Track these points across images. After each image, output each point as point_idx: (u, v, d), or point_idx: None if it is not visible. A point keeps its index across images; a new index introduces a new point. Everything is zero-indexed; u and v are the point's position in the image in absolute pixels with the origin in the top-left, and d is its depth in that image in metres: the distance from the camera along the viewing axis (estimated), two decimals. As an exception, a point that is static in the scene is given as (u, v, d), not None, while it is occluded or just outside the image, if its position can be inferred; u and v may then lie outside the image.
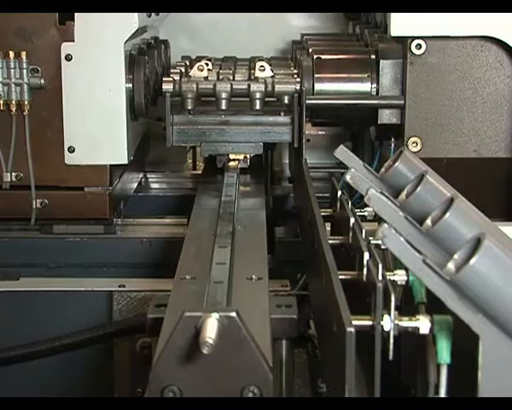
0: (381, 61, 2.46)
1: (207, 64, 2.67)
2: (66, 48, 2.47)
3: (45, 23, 2.48)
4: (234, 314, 1.25)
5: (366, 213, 1.87)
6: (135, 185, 3.10)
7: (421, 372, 1.39)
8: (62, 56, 2.47)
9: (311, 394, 1.84)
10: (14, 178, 2.55)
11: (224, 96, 2.52)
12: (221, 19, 3.45)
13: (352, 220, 1.68)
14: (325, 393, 1.64)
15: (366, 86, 2.50)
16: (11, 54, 2.46)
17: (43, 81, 2.50)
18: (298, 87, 2.52)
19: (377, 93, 2.48)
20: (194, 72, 2.57)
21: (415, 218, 1.46)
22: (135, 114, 2.69)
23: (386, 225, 1.27)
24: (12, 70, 2.47)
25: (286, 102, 2.55)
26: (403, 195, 1.60)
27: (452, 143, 2.42)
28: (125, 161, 2.57)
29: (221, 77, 2.60)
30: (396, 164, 1.71)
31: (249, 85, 2.53)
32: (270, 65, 2.67)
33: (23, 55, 2.46)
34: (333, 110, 2.55)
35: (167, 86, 2.53)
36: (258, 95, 2.53)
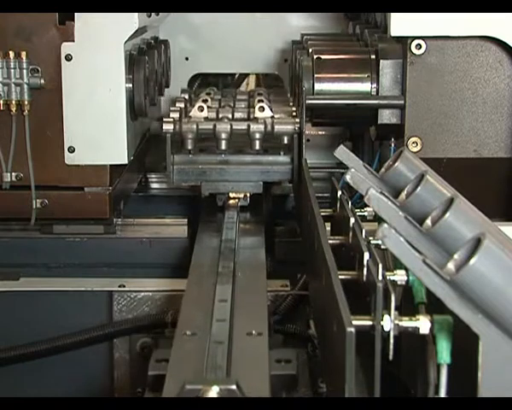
0: (381, 61, 2.46)
1: (206, 101, 2.69)
2: (66, 48, 2.47)
3: (45, 23, 2.48)
4: (234, 387, 1.26)
5: (366, 213, 1.87)
6: (135, 185, 3.10)
7: (421, 372, 1.39)
8: (62, 56, 2.47)
9: (311, 394, 1.84)
10: (14, 178, 2.55)
11: (223, 136, 2.54)
12: (221, 19, 3.45)
13: (352, 220, 1.68)
14: (325, 393, 1.64)
15: (366, 86, 2.50)
16: (11, 54, 2.46)
17: (43, 81, 2.50)
18: (297, 127, 2.53)
19: (377, 93, 2.48)
20: (194, 112, 2.58)
21: (415, 218, 1.46)
22: (135, 114, 2.69)
23: (386, 225, 1.27)
24: (12, 70, 2.47)
25: (285, 142, 2.56)
26: (403, 195, 1.60)
27: (452, 143, 2.42)
28: (125, 161, 2.57)
29: (221, 115, 2.61)
30: (396, 164, 1.71)
31: (249, 126, 2.55)
32: (269, 98, 2.74)
33: (23, 55, 2.46)
34: (333, 110, 2.55)
35: (168, 127, 2.54)
36: (257, 135, 2.55)
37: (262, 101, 2.65)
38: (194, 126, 2.53)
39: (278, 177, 2.61)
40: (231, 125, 2.54)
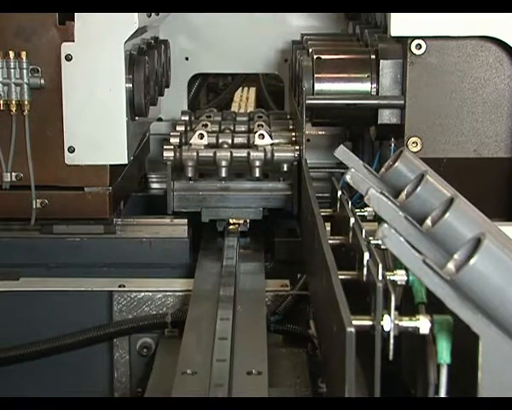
0: (381, 61, 2.46)
1: (206, 125, 2.76)
2: (66, 48, 2.47)
3: (45, 23, 2.48)
4: None
5: (366, 213, 1.87)
6: (135, 185, 3.10)
7: (421, 372, 1.39)
8: (62, 56, 2.47)
9: (311, 394, 1.84)
10: (14, 178, 2.55)
11: (223, 164, 2.60)
12: (221, 19, 3.45)
13: (352, 220, 1.68)
14: (325, 393, 1.64)
15: (366, 86, 2.50)
16: (11, 54, 2.46)
17: (43, 81, 2.50)
18: (296, 154, 2.59)
19: (377, 93, 2.48)
20: (194, 140, 2.63)
21: (415, 218, 1.46)
22: (135, 114, 2.69)
23: (386, 225, 1.27)
24: (12, 70, 2.47)
25: (285, 169, 2.63)
26: (403, 195, 1.60)
27: (452, 143, 2.42)
28: (125, 161, 2.57)
29: (221, 141, 2.69)
30: (396, 164, 1.71)
31: (249, 154, 2.61)
32: (269, 121, 2.79)
33: (23, 55, 2.46)
34: (333, 110, 2.55)
35: (168, 154, 2.61)
36: (257, 163, 2.61)
37: (262, 126, 2.72)
38: (195, 154, 2.60)
39: (278, 204, 2.67)
40: (231, 153, 2.60)
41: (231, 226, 2.66)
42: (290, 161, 2.61)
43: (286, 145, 2.68)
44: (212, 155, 2.61)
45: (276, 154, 2.61)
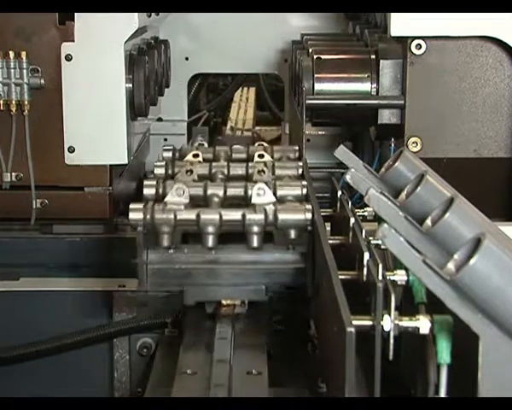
0: (381, 61, 2.46)
1: (191, 172, 2.03)
2: (66, 48, 2.47)
3: (45, 23, 2.48)
4: None
5: (366, 213, 1.87)
6: (135, 185, 3.10)
7: (421, 372, 1.39)
8: (62, 56, 2.47)
9: (311, 394, 1.84)
10: (14, 178, 2.55)
11: (210, 230, 1.86)
12: (221, 19, 3.45)
13: (352, 220, 1.68)
14: (325, 393, 1.64)
15: (366, 86, 2.50)
16: (11, 54, 2.46)
17: (43, 81, 2.50)
18: (308, 216, 1.85)
19: (377, 93, 2.48)
20: (171, 197, 1.90)
21: (415, 218, 1.46)
22: (135, 114, 2.69)
23: (386, 225, 1.27)
24: (12, 70, 2.47)
25: (292, 236, 1.89)
26: (403, 195, 1.60)
27: (452, 143, 2.42)
28: (125, 161, 2.58)
29: (209, 192, 1.95)
30: (396, 164, 1.71)
31: (244, 216, 1.87)
32: (273, 163, 2.12)
33: (23, 55, 2.46)
34: (333, 110, 2.55)
35: (135, 216, 1.87)
36: (255, 229, 1.87)
37: (263, 172, 2.03)
38: (172, 217, 1.87)
39: (286, 280, 1.95)
40: (221, 216, 1.86)
41: (224, 308, 1.97)
42: (300, 226, 1.88)
43: (294, 204, 1.91)
44: (194, 217, 1.87)
45: (280, 216, 1.87)
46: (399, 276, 1.50)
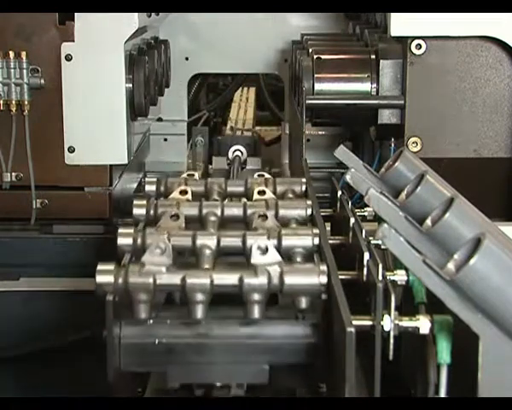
0: (381, 61, 2.46)
1: (177, 218, 1.66)
2: (66, 48, 2.47)
3: (45, 23, 2.48)
4: None
5: (366, 213, 1.87)
6: (135, 185, 3.10)
7: (421, 372, 1.39)
8: (62, 56, 2.47)
9: (311, 394, 1.83)
10: (14, 178, 2.55)
11: (198, 298, 1.47)
12: (221, 19, 3.45)
13: (352, 220, 1.68)
14: (325, 393, 1.64)
15: (366, 86, 2.50)
16: (11, 54, 2.46)
17: (43, 81, 2.50)
18: (323, 279, 1.47)
19: (377, 93, 2.48)
20: (149, 255, 1.50)
21: (415, 218, 1.46)
22: (135, 114, 2.69)
23: (386, 225, 1.27)
24: (12, 70, 2.47)
25: (303, 306, 1.50)
26: (403, 195, 1.60)
27: (452, 143, 2.42)
28: (125, 161, 2.58)
29: (199, 243, 1.58)
30: (396, 164, 1.71)
31: (241, 280, 1.47)
32: (277, 201, 1.78)
33: (23, 55, 2.46)
34: (333, 110, 2.55)
35: (103, 279, 1.48)
36: (256, 296, 1.47)
37: (265, 217, 1.67)
38: (150, 281, 1.47)
39: (295, 358, 1.54)
40: (212, 280, 1.47)
41: (217, 392, 1.57)
42: (312, 292, 1.49)
43: (305, 266, 1.51)
44: (179, 282, 1.47)
45: (288, 280, 1.47)
46: (399, 276, 1.50)
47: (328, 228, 1.97)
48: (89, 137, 2.53)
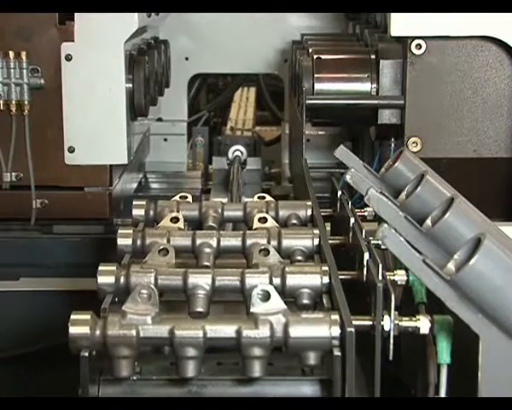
0: (381, 61, 2.46)
1: (166, 252, 1.48)
2: (66, 48, 2.47)
3: (45, 23, 2.48)
4: None
5: (366, 213, 1.87)
6: (135, 185, 3.10)
7: (421, 372, 1.39)
8: (62, 56, 2.47)
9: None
10: (14, 178, 2.55)
11: (190, 354, 1.28)
12: (221, 19, 3.45)
13: (352, 220, 1.68)
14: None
15: (366, 86, 2.50)
16: (11, 54, 2.46)
17: (43, 81, 2.50)
18: (335, 332, 1.28)
19: (377, 93, 2.48)
20: (132, 303, 1.32)
21: (415, 218, 1.47)
22: (135, 114, 2.69)
23: (386, 225, 1.27)
24: (12, 70, 2.47)
25: (311, 362, 1.31)
26: (403, 195, 1.60)
27: (452, 143, 2.42)
28: (125, 161, 2.58)
29: (190, 283, 1.43)
30: (396, 164, 1.71)
31: (239, 332, 1.29)
32: (279, 230, 1.64)
33: (23, 55, 2.46)
34: (333, 110, 2.55)
35: (78, 331, 1.36)
36: (256, 351, 1.28)
37: (267, 252, 1.51)
38: (133, 334, 1.29)
39: None
40: (205, 333, 1.28)
41: None
42: (322, 346, 1.30)
43: (314, 317, 1.31)
44: (166, 335, 1.29)
45: (293, 332, 1.29)
46: (399, 276, 1.51)
47: (329, 228, 1.98)
48: (89, 137, 2.52)
